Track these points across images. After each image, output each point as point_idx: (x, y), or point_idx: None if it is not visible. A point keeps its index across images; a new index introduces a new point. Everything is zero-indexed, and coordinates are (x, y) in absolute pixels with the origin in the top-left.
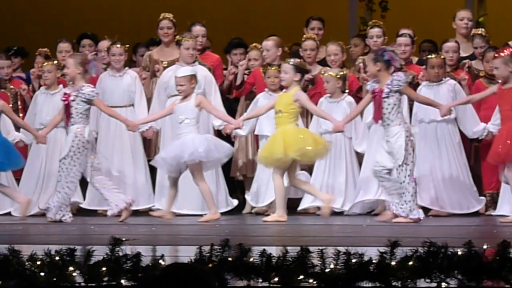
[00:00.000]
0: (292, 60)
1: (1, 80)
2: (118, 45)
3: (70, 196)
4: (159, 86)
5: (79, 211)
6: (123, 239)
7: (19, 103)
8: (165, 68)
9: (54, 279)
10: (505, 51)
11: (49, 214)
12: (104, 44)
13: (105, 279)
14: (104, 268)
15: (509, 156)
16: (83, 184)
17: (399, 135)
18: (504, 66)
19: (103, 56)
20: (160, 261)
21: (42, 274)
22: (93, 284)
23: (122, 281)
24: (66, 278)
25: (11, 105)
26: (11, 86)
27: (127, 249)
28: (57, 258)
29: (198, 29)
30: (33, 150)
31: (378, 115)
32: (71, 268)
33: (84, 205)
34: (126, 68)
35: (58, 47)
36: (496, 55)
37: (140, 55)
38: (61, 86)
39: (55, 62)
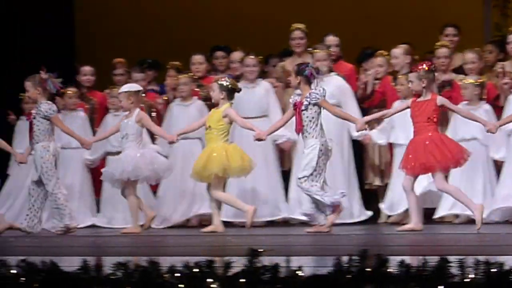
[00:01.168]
0: (220, 79)
1: None
2: (252, 56)
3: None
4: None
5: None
6: (260, 250)
7: (153, 114)
8: None
9: None
10: (420, 66)
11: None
12: (236, 55)
13: None
14: (242, 280)
15: (420, 168)
16: None
17: (313, 148)
18: (418, 81)
19: (234, 67)
20: (298, 272)
21: (181, 286)
22: None
23: None
24: None
25: None
26: (146, 99)
27: (265, 260)
28: (196, 269)
29: (331, 39)
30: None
31: (299, 127)
32: (209, 280)
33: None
34: (259, 79)
35: (192, 59)
36: (412, 70)
37: (272, 66)
38: (195, 98)
39: (190, 74)
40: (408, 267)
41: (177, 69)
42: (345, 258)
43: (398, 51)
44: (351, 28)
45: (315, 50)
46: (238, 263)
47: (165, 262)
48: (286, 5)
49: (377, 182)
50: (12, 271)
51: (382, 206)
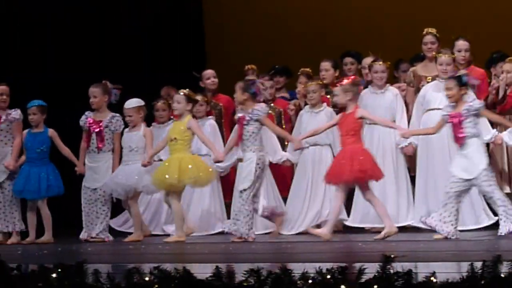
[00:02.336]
0: (184, 91)
1: (265, 100)
2: (380, 62)
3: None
4: (417, 101)
5: (344, 228)
6: (393, 256)
7: (283, 122)
8: (428, 83)
9: None
10: (346, 80)
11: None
12: (367, 61)
13: None
14: (375, 286)
15: (344, 178)
16: (348, 202)
17: (251, 161)
18: (343, 94)
19: (366, 73)
20: (432, 278)
21: None
22: None
23: None
24: None
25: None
26: (275, 106)
27: (398, 266)
28: (328, 276)
29: (461, 44)
30: (299, 169)
31: (239, 140)
32: (342, 287)
33: (348, 222)
34: (388, 84)
35: (320, 65)
36: (338, 83)
37: (402, 71)
38: (324, 104)
39: (319, 81)
40: None
41: (307, 76)
42: (478, 264)
43: None
44: (484, 32)
45: (439, 54)
46: (371, 269)
47: (297, 268)
48: (418, 9)
49: (507, 189)
50: (145, 278)
51: None
